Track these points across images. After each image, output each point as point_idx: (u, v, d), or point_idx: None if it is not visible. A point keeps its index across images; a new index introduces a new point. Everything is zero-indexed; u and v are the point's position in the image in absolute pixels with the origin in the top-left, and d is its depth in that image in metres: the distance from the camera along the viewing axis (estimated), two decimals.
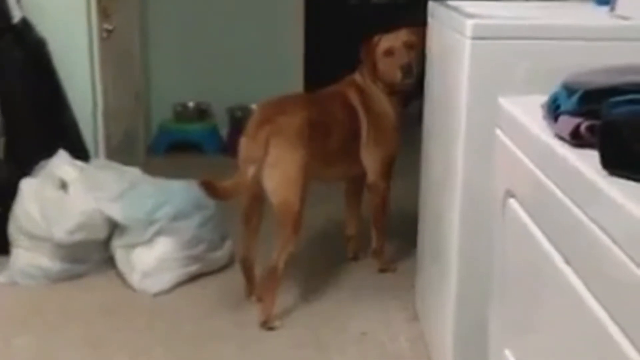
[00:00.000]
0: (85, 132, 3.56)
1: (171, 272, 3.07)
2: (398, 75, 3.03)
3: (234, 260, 3.20)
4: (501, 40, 2.04)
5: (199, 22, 4.98)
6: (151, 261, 3.05)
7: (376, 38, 3.13)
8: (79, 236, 3.05)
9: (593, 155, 1.14)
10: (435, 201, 2.55)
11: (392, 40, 3.09)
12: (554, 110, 1.35)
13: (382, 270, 3.27)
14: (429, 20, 2.68)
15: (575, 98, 1.28)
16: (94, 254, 3.16)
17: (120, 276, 3.12)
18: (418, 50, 3.00)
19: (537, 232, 1.33)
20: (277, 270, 2.76)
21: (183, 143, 4.92)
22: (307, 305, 2.98)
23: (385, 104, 3.12)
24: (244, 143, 2.79)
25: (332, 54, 5.65)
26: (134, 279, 3.06)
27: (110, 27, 3.71)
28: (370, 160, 3.10)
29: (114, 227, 3.12)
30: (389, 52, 3.08)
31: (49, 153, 3.22)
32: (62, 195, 3.10)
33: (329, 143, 2.92)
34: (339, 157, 3.01)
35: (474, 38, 2.02)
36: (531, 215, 1.39)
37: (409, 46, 3.06)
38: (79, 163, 3.26)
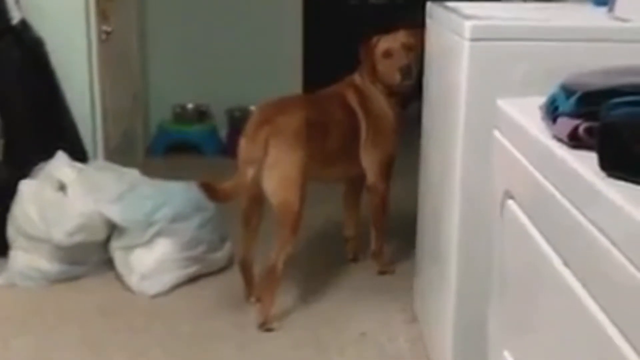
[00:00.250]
0: (84, 134, 3.56)
1: (170, 273, 3.07)
2: (397, 77, 3.04)
3: (233, 261, 3.20)
4: (499, 42, 2.04)
5: (197, 24, 4.97)
6: (150, 263, 3.05)
7: (375, 39, 3.13)
8: (77, 238, 3.05)
9: (591, 157, 1.14)
10: (434, 202, 2.55)
11: (390, 42, 3.09)
12: (552, 112, 1.35)
13: (382, 272, 3.26)
14: (428, 21, 2.68)
15: (573, 100, 1.28)
16: (92, 256, 3.16)
17: (119, 278, 3.12)
18: (417, 51, 3.01)
19: (535, 234, 1.34)
20: (276, 271, 2.76)
21: (182, 144, 4.92)
22: (306, 306, 2.98)
23: (384, 105, 3.12)
24: (243, 144, 2.79)
25: (331, 55, 5.66)
26: (133, 280, 3.06)
27: (109, 29, 3.71)
28: (369, 161, 3.10)
29: (113, 229, 3.12)
30: (388, 54, 3.08)
31: (48, 154, 3.22)
32: (61, 196, 3.10)
33: (328, 144, 2.92)
34: (338, 158, 3.02)
35: (472, 39, 2.02)
36: (530, 217, 1.39)
37: (407, 48, 3.06)
38: (77, 164, 3.26)
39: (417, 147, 2.81)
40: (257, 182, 2.72)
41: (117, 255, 3.12)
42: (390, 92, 3.12)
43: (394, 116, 3.14)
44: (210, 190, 2.73)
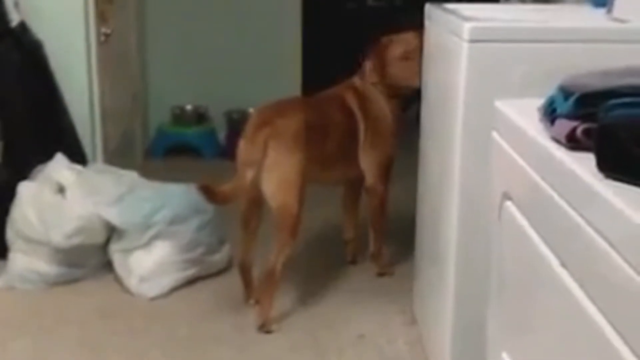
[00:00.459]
0: (83, 136, 3.56)
1: (169, 275, 3.07)
2: (417, 80, 2.91)
3: (232, 263, 3.20)
4: (498, 43, 2.04)
5: (196, 26, 4.97)
6: (149, 265, 3.05)
7: (386, 40, 3.10)
8: (76, 240, 3.05)
9: (589, 159, 1.14)
10: (432, 204, 2.55)
11: (406, 44, 3.07)
12: (550, 113, 1.35)
13: (381, 274, 3.26)
14: (426, 22, 2.68)
15: (571, 101, 1.28)
16: (91, 258, 3.16)
17: (117, 280, 3.12)
18: (422, 53, 2.99)
19: (533, 235, 1.34)
20: (275, 273, 2.76)
21: (181, 146, 4.92)
22: (305, 308, 2.97)
23: (384, 108, 3.12)
24: (242, 146, 2.78)
25: (329, 57, 5.66)
26: (132, 282, 3.06)
27: (108, 31, 3.71)
28: (368, 162, 3.10)
29: (112, 231, 3.12)
30: (406, 56, 3.06)
31: (47, 157, 3.21)
32: (59, 199, 3.10)
33: (327, 146, 2.92)
34: (337, 160, 3.01)
35: (471, 41, 2.02)
36: (528, 218, 1.39)
37: (421, 50, 3.00)
38: (76, 167, 3.25)
39: (416, 148, 2.81)
40: (256, 185, 2.72)
41: (116, 258, 3.12)
42: (395, 94, 3.11)
43: (394, 118, 3.14)
44: (209, 193, 2.73)
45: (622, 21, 2.15)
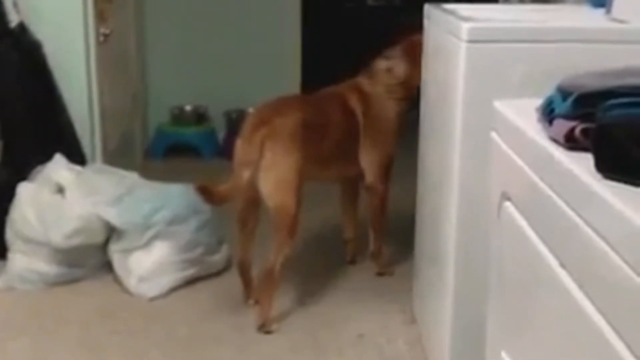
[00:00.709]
0: (82, 136, 3.56)
1: (168, 276, 3.07)
2: None
3: (231, 263, 3.20)
4: (497, 44, 2.05)
5: (196, 26, 4.98)
6: (148, 265, 3.05)
7: (418, 37, 2.86)
8: (76, 240, 3.05)
9: (587, 159, 1.14)
10: (432, 204, 2.55)
11: None
12: (548, 114, 1.35)
13: (380, 274, 3.26)
14: (425, 22, 2.68)
15: (569, 101, 1.28)
16: (91, 258, 3.16)
17: (117, 280, 3.12)
18: None
19: (532, 235, 1.34)
20: (274, 273, 2.76)
21: (180, 146, 4.92)
22: (304, 308, 2.98)
23: (388, 108, 3.11)
24: (239, 146, 2.78)
25: (329, 56, 5.66)
26: (131, 283, 3.06)
27: (107, 31, 3.71)
28: (368, 162, 3.10)
29: (111, 232, 3.12)
30: None
31: (46, 157, 3.22)
32: (59, 199, 3.10)
33: (325, 145, 2.91)
34: (335, 159, 3.01)
35: (469, 41, 2.03)
36: (527, 218, 1.39)
37: None
38: (75, 167, 3.25)
39: (415, 148, 2.81)
40: (252, 185, 2.71)
41: (116, 258, 3.12)
42: (408, 95, 3.09)
43: (397, 118, 3.13)
44: (206, 194, 2.72)
45: (620, 21, 2.15)
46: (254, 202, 2.81)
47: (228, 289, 3.08)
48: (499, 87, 1.97)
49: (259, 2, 4.98)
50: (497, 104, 1.62)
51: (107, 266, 3.17)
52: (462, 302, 2.21)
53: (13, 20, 3.34)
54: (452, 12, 2.32)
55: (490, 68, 2.04)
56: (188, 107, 4.99)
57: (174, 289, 3.08)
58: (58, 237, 3.02)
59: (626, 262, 0.95)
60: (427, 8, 2.65)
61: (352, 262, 3.37)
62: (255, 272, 2.96)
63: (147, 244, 3.07)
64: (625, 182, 1.06)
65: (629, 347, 0.95)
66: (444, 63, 2.31)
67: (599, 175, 1.10)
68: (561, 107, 1.31)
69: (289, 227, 2.75)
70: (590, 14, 2.43)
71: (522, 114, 1.49)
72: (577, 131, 1.24)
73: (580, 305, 1.10)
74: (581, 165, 1.15)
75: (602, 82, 1.26)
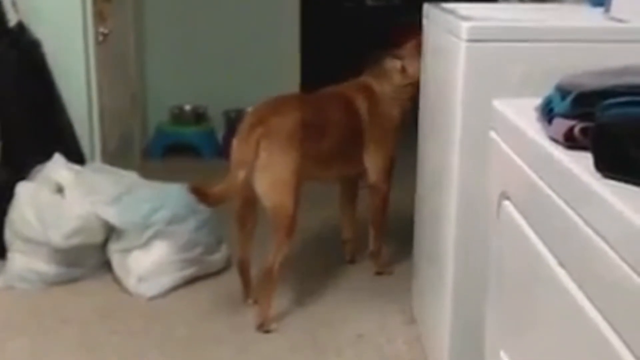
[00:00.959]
0: (81, 136, 3.56)
1: (167, 275, 3.07)
2: None
3: (231, 263, 3.20)
4: (496, 43, 2.05)
5: (195, 26, 4.98)
6: (147, 265, 3.05)
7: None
8: (75, 240, 3.05)
9: (587, 158, 1.14)
10: (431, 204, 2.55)
11: None
12: (548, 113, 1.35)
13: (379, 273, 3.26)
14: (424, 22, 2.68)
15: (568, 100, 1.28)
16: (90, 258, 3.16)
17: (116, 280, 3.12)
18: None
19: (531, 234, 1.34)
20: (273, 273, 2.75)
21: (180, 146, 4.92)
22: (304, 307, 2.98)
23: (394, 108, 3.11)
24: (235, 145, 2.77)
25: (328, 56, 5.67)
26: (130, 283, 3.06)
27: (106, 31, 3.71)
28: (372, 162, 3.09)
29: (111, 231, 3.12)
30: None
31: (45, 157, 3.22)
32: (58, 199, 3.10)
33: (324, 144, 2.90)
34: (336, 159, 2.99)
35: (469, 40, 2.03)
36: (526, 217, 1.39)
37: None
38: (75, 167, 3.25)
39: (414, 148, 2.81)
40: (249, 185, 2.71)
41: (115, 258, 3.12)
42: (416, 93, 3.08)
43: (401, 118, 3.13)
44: (200, 194, 2.72)
45: (619, 20, 2.15)
46: (251, 201, 2.80)
47: (227, 289, 3.08)
48: (498, 87, 1.96)
49: (258, 2, 4.98)
50: (497, 103, 1.62)
51: (106, 266, 3.17)
52: (461, 301, 2.21)
53: (11, 19, 3.34)
54: (451, 12, 2.31)
55: (489, 67, 2.04)
56: (187, 107, 4.99)
57: (173, 289, 3.08)
58: (57, 236, 3.02)
59: (625, 261, 0.95)
60: (427, 7, 2.65)
61: (352, 261, 3.37)
62: (254, 271, 2.96)
63: (147, 243, 3.07)
64: (625, 181, 1.06)
65: (628, 346, 0.95)
66: (444, 62, 2.31)
67: (598, 174, 1.10)
68: (560, 106, 1.31)
69: (286, 227, 2.74)
70: (589, 13, 2.43)
71: (522, 113, 1.49)
72: (576, 130, 1.24)
73: (579, 304, 1.10)
74: (580, 165, 1.15)
75: (601, 81, 1.26)
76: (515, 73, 2.01)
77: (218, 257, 3.24)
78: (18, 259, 3.10)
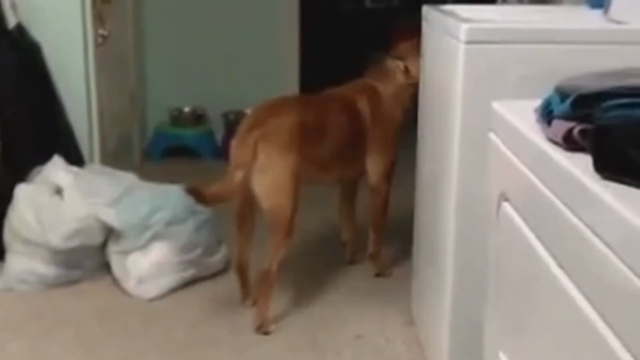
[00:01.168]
0: (81, 138, 3.56)
1: (167, 277, 3.07)
2: None
3: (230, 264, 3.20)
4: (495, 45, 2.05)
5: (194, 28, 4.98)
6: (147, 266, 3.05)
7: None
8: (74, 242, 3.05)
9: (586, 159, 1.14)
10: (430, 205, 2.55)
11: None
12: (547, 115, 1.35)
13: (378, 275, 3.26)
14: (423, 24, 2.68)
15: (568, 102, 1.28)
16: (89, 260, 3.16)
17: (115, 282, 3.12)
18: None
19: (530, 236, 1.34)
20: (271, 274, 2.75)
21: (179, 148, 4.92)
22: (303, 309, 2.98)
23: (396, 109, 3.11)
24: (233, 147, 2.77)
25: (327, 58, 5.67)
26: (130, 284, 3.06)
27: (105, 33, 3.71)
28: (374, 163, 3.09)
29: (110, 233, 3.12)
30: None
31: (44, 158, 3.22)
32: (57, 201, 3.10)
33: (325, 146, 2.89)
34: (337, 161, 2.98)
35: (468, 42, 2.03)
36: (525, 219, 1.39)
37: None
38: (74, 168, 3.25)
39: (414, 149, 2.81)
40: (247, 186, 2.71)
41: (114, 259, 3.12)
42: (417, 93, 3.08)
43: (402, 118, 3.13)
44: (197, 195, 2.72)
45: (618, 22, 2.16)
46: (250, 203, 2.80)
47: (227, 290, 3.08)
48: (498, 88, 1.97)
49: (257, 3, 4.99)
50: (496, 105, 1.62)
51: (106, 267, 3.17)
52: (460, 303, 2.21)
53: (11, 21, 3.34)
54: (450, 14, 2.32)
55: (488, 69, 2.04)
56: (186, 109, 5.00)
57: (173, 290, 3.08)
58: (56, 238, 3.02)
59: (624, 262, 0.95)
60: (425, 9, 2.65)
61: (351, 263, 3.37)
62: (252, 273, 2.96)
63: (146, 245, 3.07)
64: (624, 182, 1.06)
65: (627, 347, 0.95)
66: (443, 64, 2.31)
67: (597, 176, 1.10)
68: (559, 108, 1.31)
69: (284, 229, 2.74)
70: (588, 15, 2.43)
71: (521, 115, 1.49)
72: (576, 132, 1.24)
73: (578, 305, 1.10)
74: (579, 166, 1.15)
75: (600, 83, 1.27)
76: (514, 75, 2.01)
77: (217, 259, 3.24)
78: (17, 261, 3.10)
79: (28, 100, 3.39)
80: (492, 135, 1.62)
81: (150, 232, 3.06)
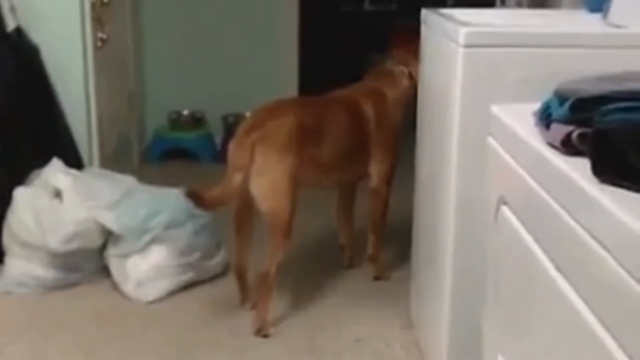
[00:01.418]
0: (79, 141, 3.56)
1: (166, 280, 3.07)
2: None
3: (229, 268, 3.20)
4: (494, 48, 2.05)
5: (193, 31, 4.98)
6: (146, 269, 3.05)
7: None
8: (73, 245, 3.05)
9: (585, 163, 1.14)
10: (429, 209, 2.55)
11: None
12: (545, 118, 1.35)
13: (377, 278, 3.26)
14: (422, 27, 2.68)
15: (566, 106, 1.28)
16: (88, 263, 3.16)
17: (114, 285, 3.12)
18: None
19: (529, 239, 1.34)
20: (269, 278, 2.75)
21: (178, 151, 4.92)
22: (302, 312, 2.98)
23: (398, 112, 3.11)
24: (231, 150, 2.77)
25: (326, 61, 5.68)
26: (129, 287, 3.06)
27: (104, 36, 3.71)
28: (376, 166, 3.09)
29: (108, 236, 3.12)
30: None
31: (43, 161, 3.22)
32: (56, 204, 3.10)
33: (326, 149, 2.89)
34: (338, 164, 2.97)
35: (466, 46, 2.03)
36: (523, 222, 1.39)
37: None
38: (73, 171, 3.25)
39: (412, 153, 2.81)
40: (245, 189, 2.70)
41: (113, 262, 3.12)
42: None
43: (402, 122, 3.13)
44: (196, 198, 2.71)
45: (617, 26, 2.16)
46: (248, 206, 2.79)
47: (225, 293, 3.08)
48: (496, 92, 1.97)
49: (256, 6, 4.99)
50: (494, 109, 1.62)
51: (105, 271, 3.17)
52: (459, 306, 2.21)
53: (10, 24, 3.34)
54: (449, 17, 2.32)
55: (487, 73, 2.04)
56: (185, 112, 5.00)
57: (171, 293, 3.08)
58: (55, 241, 3.02)
59: (622, 266, 0.96)
60: (424, 13, 2.65)
61: (349, 266, 3.37)
62: (251, 276, 2.96)
63: (144, 248, 3.07)
64: (622, 186, 1.07)
65: (625, 351, 0.95)
66: (441, 68, 2.31)
67: (595, 180, 1.10)
68: (558, 111, 1.31)
69: (282, 232, 2.74)
70: (587, 19, 2.44)
71: (519, 118, 1.49)
72: (574, 136, 1.24)
73: (576, 309, 1.10)
74: (578, 170, 1.16)
75: (599, 87, 1.27)
76: (512, 78, 2.02)
77: (216, 262, 3.24)
78: (16, 264, 3.10)
79: (27, 103, 3.39)
80: (491, 139, 1.63)
81: (149, 235, 3.06)
